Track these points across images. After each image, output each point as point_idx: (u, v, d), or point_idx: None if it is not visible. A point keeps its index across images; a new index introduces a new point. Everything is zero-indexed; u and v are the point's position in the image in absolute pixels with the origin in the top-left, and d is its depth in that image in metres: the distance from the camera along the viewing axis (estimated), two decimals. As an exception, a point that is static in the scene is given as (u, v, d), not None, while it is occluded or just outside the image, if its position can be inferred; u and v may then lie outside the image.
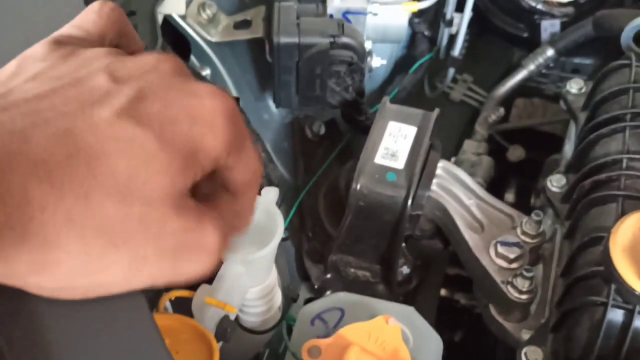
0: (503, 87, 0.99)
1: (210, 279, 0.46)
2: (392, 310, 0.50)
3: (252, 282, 0.47)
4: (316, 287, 0.73)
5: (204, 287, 0.41)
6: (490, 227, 0.65)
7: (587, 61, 1.03)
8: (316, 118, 0.84)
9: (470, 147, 0.92)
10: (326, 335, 0.49)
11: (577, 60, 1.03)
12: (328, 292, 0.69)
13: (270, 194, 0.46)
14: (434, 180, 0.67)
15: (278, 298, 0.52)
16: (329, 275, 0.73)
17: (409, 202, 0.62)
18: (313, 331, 0.49)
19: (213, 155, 0.28)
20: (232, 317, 0.44)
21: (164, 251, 0.27)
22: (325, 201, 0.74)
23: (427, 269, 0.74)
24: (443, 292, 0.81)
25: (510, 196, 0.94)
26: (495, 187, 0.86)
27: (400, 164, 0.64)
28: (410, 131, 0.67)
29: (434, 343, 0.48)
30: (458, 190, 0.67)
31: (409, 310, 0.50)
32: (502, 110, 0.95)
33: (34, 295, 0.26)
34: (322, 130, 0.83)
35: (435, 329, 0.72)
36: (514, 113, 1.01)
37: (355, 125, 0.79)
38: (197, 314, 0.41)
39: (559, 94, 0.75)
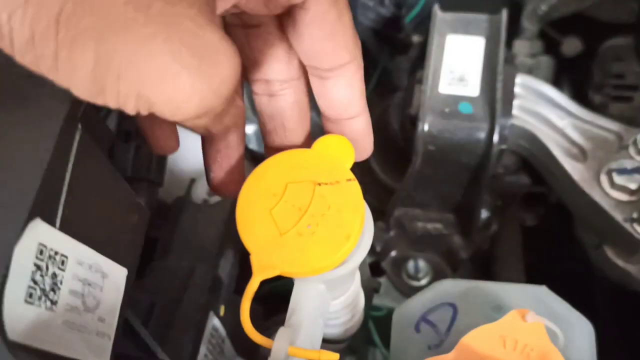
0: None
1: (281, 297, 0.34)
2: (518, 296, 0.37)
3: (334, 296, 0.34)
4: (378, 249, 0.61)
5: (282, 332, 0.28)
6: (594, 152, 0.51)
7: None
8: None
9: (522, 48, 0.76)
10: (439, 344, 0.37)
11: None
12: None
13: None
14: (514, 102, 0.53)
15: (362, 298, 0.39)
16: (392, 233, 0.60)
17: (496, 138, 0.48)
18: (420, 340, 0.37)
19: None
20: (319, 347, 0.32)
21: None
22: (375, 147, 0.60)
23: (508, 208, 0.61)
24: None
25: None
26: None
27: (473, 89, 0.50)
28: (478, 44, 0.52)
29: (584, 331, 0.36)
30: (546, 110, 0.53)
31: (541, 292, 0.37)
32: (554, -3, 0.79)
33: None
34: (351, 57, 0.68)
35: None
36: (565, -1, 0.85)
37: (393, 45, 0.64)
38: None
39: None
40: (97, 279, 0.24)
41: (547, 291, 0.38)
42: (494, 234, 0.61)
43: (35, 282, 0.21)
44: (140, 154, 0.42)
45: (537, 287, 0.38)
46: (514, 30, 0.81)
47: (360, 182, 0.59)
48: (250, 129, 0.63)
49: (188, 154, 0.52)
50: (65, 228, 0.22)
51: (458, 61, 0.51)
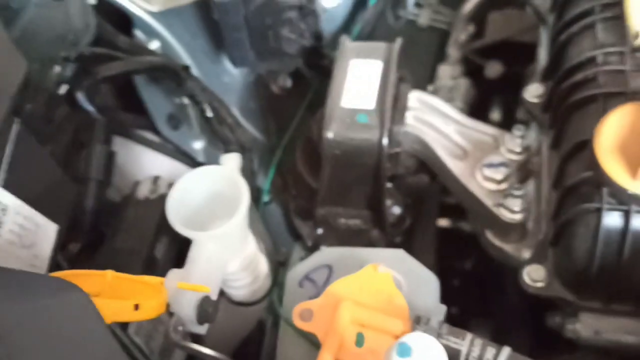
0: (470, 3, 0.94)
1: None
2: (382, 256, 0.48)
3: (228, 256, 0.45)
4: (309, 244, 0.71)
5: (173, 272, 0.39)
6: (473, 152, 0.62)
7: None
8: (280, 72, 0.80)
9: (445, 72, 0.88)
10: (317, 295, 0.47)
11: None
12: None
13: (231, 161, 0.43)
14: (408, 113, 0.64)
15: (263, 266, 0.50)
16: (320, 231, 0.71)
17: (385, 141, 0.59)
18: (303, 293, 0.47)
19: None
20: (214, 297, 0.42)
21: None
22: (303, 155, 0.71)
23: (420, 205, 0.71)
24: (446, 222, 0.79)
25: (495, 115, 0.91)
26: (479, 108, 0.83)
27: (370, 103, 0.61)
28: (376, 66, 0.63)
29: (430, 282, 0.46)
30: (435, 119, 0.64)
31: (399, 253, 0.48)
32: (471, 28, 0.91)
33: None
34: (289, 83, 0.80)
35: (442, 261, 0.70)
36: (490, 29, 0.96)
37: (320, 71, 0.75)
38: (173, 301, 0.39)
39: (527, -1, 0.71)
40: (31, 226, 0.35)
41: (403, 253, 0.48)
42: (409, 229, 0.71)
43: (-17, 219, 0.32)
44: (90, 159, 0.53)
45: (396, 250, 0.48)
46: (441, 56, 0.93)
47: (293, 188, 0.71)
48: (198, 144, 0.74)
49: (134, 161, 0.63)
50: (7, 187, 0.33)
51: (358, 80, 0.62)
